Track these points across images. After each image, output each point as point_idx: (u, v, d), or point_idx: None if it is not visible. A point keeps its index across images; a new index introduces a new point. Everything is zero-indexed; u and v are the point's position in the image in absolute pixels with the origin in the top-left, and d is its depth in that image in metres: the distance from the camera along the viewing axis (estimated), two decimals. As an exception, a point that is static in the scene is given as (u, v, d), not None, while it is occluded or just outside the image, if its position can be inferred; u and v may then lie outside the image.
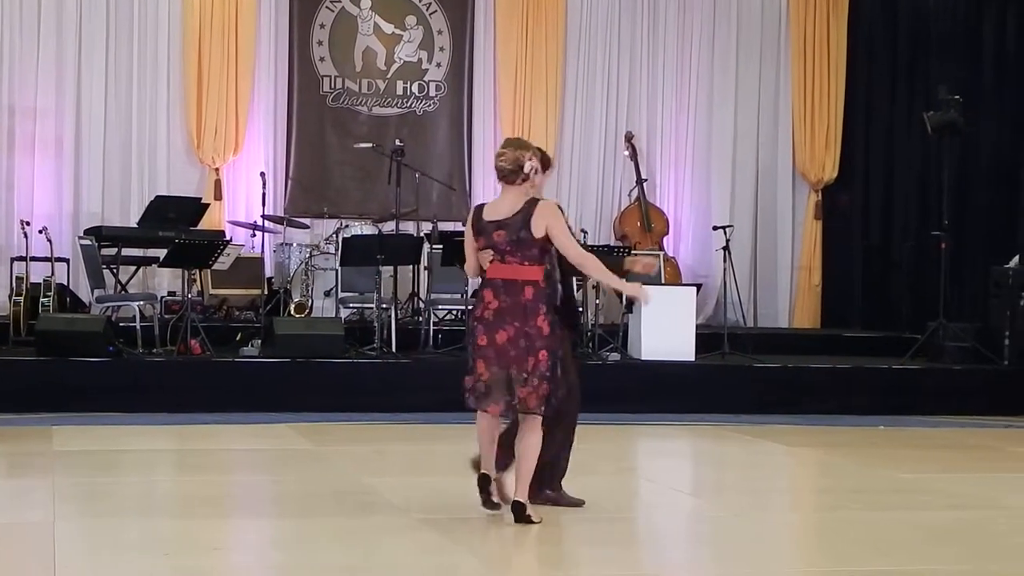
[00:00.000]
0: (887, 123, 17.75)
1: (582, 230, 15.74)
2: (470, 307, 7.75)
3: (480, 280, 8.12)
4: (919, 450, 11.97)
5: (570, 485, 8.43)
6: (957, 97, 15.22)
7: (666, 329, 13.88)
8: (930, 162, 17.12)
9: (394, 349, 13.87)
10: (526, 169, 7.86)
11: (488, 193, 17.02)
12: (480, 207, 8.05)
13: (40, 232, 14.41)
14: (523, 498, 7.86)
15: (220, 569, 7.10)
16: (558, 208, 7.96)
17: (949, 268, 15.30)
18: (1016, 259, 15.11)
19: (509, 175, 7.88)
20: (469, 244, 8.06)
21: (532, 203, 7.83)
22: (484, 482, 7.94)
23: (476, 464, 8.11)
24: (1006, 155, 17.11)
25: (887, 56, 17.78)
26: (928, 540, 7.97)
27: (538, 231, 7.78)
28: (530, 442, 7.85)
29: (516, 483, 7.90)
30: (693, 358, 13.89)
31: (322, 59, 16.80)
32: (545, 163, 8.16)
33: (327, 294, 15.29)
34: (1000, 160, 17.26)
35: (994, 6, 17.52)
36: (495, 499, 7.94)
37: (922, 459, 11.40)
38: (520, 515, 7.83)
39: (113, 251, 14.60)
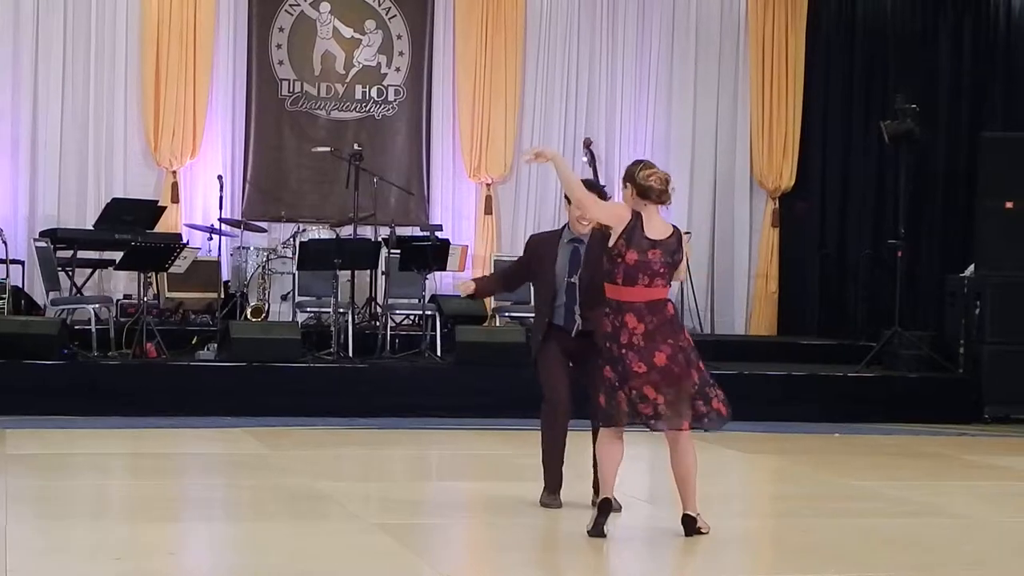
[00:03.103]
0: (844, 132, 17.83)
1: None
2: (609, 330, 7.58)
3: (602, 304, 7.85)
4: (873, 457, 12.03)
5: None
6: (914, 106, 15.33)
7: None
8: (886, 171, 17.23)
9: (351, 354, 13.85)
10: (671, 188, 7.83)
11: (446, 198, 17.07)
12: (639, 216, 7.75)
13: (-5, 234, 14.35)
14: (694, 511, 7.91)
15: (173, 573, 7.07)
16: None
17: (905, 277, 15.40)
18: (971, 268, 15.20)
19: (664, 194, 7.77)
20: (604, 213, 7.86)
21: (676, 229, 7.88)
22: (607, 507, 7.83)
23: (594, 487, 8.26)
24: (962, 164, 17.23)
25: (844, 65, 17.86)
26: (880, 547, 8.00)
27: (682, 255, 7.87)
28: (695, 457, 7.91)
29: (687, 499, 7.90)
30: (650, 364, 13.87)
31: (281, 62, 16.76)
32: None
33: (284, 298, 15.25)
34: (956, 169, 17.39)
35: (950, 17, 17.66)
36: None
37: (876, 466, 11.46)
38: (692, 527, 7.89)
39: (69, 253, 14.50)
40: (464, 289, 8.98)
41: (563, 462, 8.67)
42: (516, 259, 9.28)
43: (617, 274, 7.70)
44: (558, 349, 8.57)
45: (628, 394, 7.68)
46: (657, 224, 7.77)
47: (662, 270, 7.73)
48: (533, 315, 9.55)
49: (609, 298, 7.75)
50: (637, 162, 8.00)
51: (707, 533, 7.88)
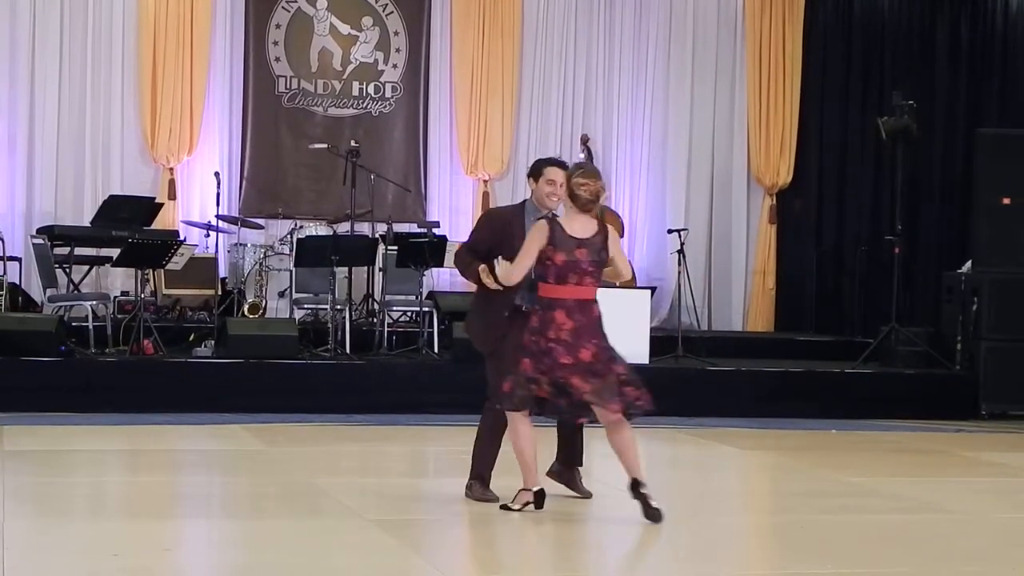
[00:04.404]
0: (841, 128, 17.84)
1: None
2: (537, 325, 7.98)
3: (528, 299, 8.19)
4: (870, 454, 12.03)
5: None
6: (911, 103, 15.32)
7: (620, 332, 13.79)
8: (883, 167, 17.25)
9: (348, 350, 13.85)
10: (601, 201, 8.09)
11: (443, 194, 17.07)
12: (555, 219, 8.09)
13: (-8, 231, 14.35)
14: (641, 476, 8.07)
15: (170, 570, 7.07)
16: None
17: (902, 273, 15.39)
18: (968, 264, 15.21)
19: (588, 204, 8.02)
20: (532, 252, 7.97)
21: (604, 227, 8.12)
22: (543, 497, 8.28)
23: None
24: (959, 161, 17.26)
25: (842, 62, 17.86)
26: (876, 543, 8.00)
27: (608, 253, 8.08)
28: (631, 434, 8.17)
29: (631, 469, 8.07)
30: (647, 361, 13.86)
31: (277, 59, 16.75)
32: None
33: (281, 295, 15.25)
34: (953, 166, 17.41)
35: (947, 13, 17.68)
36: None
37: (872, 463, 11.46)
38: (639, 490, 8.04)
39: (66, 250, 14.50)
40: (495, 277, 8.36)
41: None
42: (473, 239, 8.72)
43: (548, 275, 8.00)
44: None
45: (553, 382, 7.98)
46: (582, 223, 8.04)
47: (590, 269, 8.03)
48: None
49: (540, 296, 8.04)
50: (580, 165, 8.51)
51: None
